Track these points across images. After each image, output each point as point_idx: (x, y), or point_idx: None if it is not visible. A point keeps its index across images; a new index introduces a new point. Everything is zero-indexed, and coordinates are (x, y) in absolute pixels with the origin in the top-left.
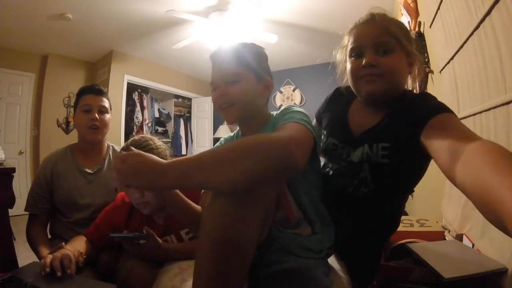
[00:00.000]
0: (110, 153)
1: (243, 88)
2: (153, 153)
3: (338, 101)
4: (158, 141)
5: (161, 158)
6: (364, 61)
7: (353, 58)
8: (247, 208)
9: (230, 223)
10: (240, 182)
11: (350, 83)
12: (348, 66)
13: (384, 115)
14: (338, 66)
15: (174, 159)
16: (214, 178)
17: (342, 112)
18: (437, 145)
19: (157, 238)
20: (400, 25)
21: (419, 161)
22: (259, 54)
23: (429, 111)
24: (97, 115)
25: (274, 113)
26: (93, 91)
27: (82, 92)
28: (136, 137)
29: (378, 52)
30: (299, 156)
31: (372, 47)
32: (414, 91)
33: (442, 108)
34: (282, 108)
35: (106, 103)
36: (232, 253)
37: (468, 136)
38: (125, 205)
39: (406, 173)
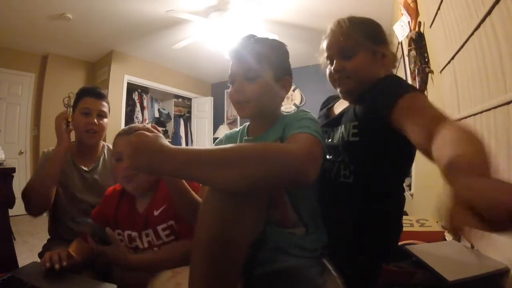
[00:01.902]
0: (105, 152)
1: (260, 86)
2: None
3: (327, 103)
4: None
5: None
6: (333, 68)
7: (329, 65)
8: (241, 207)
9: (224, 221)
10: (244, 186)
11: (332, 86)
12: (327, 71)
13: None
14: (324, 69)
15: (181, 147)
16: (220, 177)
17: (327, 108)
18: (410, 127)
19: (123, 247)
20: (364, 25)
21: (392, 142)
22: (280, 51)
23: (394, 92)
24: (96, 120)
25: (284, 113)
26: (94, 94)
27: (83, 94)
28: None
29: (345, 57)
30: (312, 172)
31: (337, 54)
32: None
33: (407, 89)
34: (295, 110)
35: (105, 108)
36: (225, 251)
37: (437, 118)
38: (114, 194)
39: (381, 154)
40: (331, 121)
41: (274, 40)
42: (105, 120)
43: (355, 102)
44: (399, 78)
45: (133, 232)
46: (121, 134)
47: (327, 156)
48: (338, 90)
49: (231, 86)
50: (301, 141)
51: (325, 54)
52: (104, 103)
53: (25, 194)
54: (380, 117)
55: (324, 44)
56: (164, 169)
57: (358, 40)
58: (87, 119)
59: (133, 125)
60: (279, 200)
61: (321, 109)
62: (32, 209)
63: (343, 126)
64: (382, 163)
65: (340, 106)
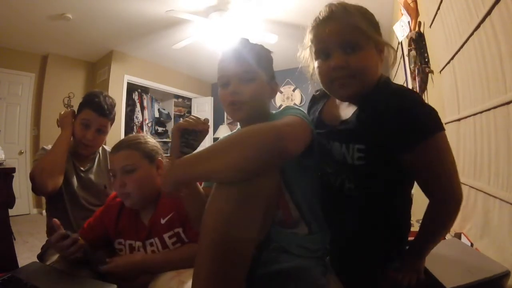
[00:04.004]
0: (100, 152)
1: (256, 88)
2: (140, 147)
3: (314, 105)
4: (150, 139)
5: (152, 154)
6: (333, 64)
7: (320, 60)
8: (248, 207)
9: (230, 222)
10: (238, 169)
11: (322, 85)
12: (317, 68)
13: (356, 107)
14: (306, 67)
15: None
16: (214, 165)
17: (318, 112)
18: (417, 175)
19: (117, 262)
20: (363, 12)
21: (398, 168)
22: (270, 56)
23: (414, 137)
24: (93, 134)
25: (274, 112)
26: (97, 110)
27: (87, 104)
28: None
29: (346, 50)
30: (291, 139)
31: (338, 46)
32: (415, 90)
33: (430, 129)
34: (283, 107)
35: (107, 124)
36: (231, 252)
37: (436, 189)
38: (115, 204)
39: (387, 175)
40: (326, 133)
41: (263, 46)
42: (103, 136)
43: (357, 105)
44: (418, 106)
45: (136, 242)
46: (113, 151)
47: (328, 170)
48: (338, 93)
49: (222, 88)
50: (282, 119)
51: (314, 47)
52: (107, 120)
53: (34, 173)
54: (393, 152)
55: (312, 35)
56: (174, 176)
57: (365, 30)
58: (84, 131)
59: (124, 138)
60: (280, 200)
61: (309, 108)
62: (42, 187)
63: (344, 146)
64: (389, 180)
65: (333, 109)
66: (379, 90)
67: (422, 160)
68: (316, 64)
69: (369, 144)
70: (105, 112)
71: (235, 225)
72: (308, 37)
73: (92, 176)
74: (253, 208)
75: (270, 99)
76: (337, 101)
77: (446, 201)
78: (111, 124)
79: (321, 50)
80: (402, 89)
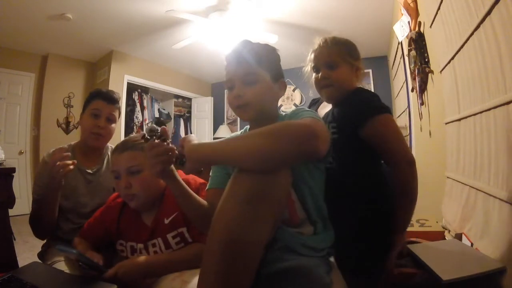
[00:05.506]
0: (109, 153)
1: (260, 90)
2: (140, 148)
3: (312, 106)
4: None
5: None
6: (320, 77)
7: (315, 74)
8: (260, 209)
9: (241, 223)
10: (261, 156)
11: (316, 90)
12: (313, 79)
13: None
14: (308, 77)
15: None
16: (234, 148)
17: (315, 110)
18: (375, 146)
19: (119, 269)
20: (345, 44)
21: (363, 144)
22: (274, 55)
23: (363, 115)
24: (104, 122)
25: (283, 113)
26: (106, 98)
27: (95, 96)
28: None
29: (329, 68)
30: (322, 139)
31: (324, 64)
32: (414, 90)
33: (374, 111)
34: (294, 109)
35: (116, 112)
36: (242, 254)
37: (389, 155)
38: (116, 205)
39: (357, 145)
40: None
41: (267, 45)
42: (113, 125)
43: (335, 106)
44: (369, 97)
45: (137, 244)
46: (116, 151)
47: None
48: (324, 96)
49: (228, 91)
50: (302, 119)
51: (312, 65)
52: (115, 108)
53: (31, 223)
54: (353, 130)
55: (311, 56)
56: (199, 156)
57: (341, 55)
58: (95, 121)
59: (126, 138)
60: (287, 199)
61: (309, 108)
62: (39, 235)
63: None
64: (359, 150)
65: (323, 110)
66: (351, 94)
67: (374, 133)
68: (313, 76)
69: (339, 123)
70: (114, 99)
71: (246, 227)
72: (309, 57)
73: (101, 178)
74: (264, 210)
75: (277, 98)
76: (325, 103)
77: (400, 163)
78: (119, 115)
79: (315, 67)
80: (366, 91)
